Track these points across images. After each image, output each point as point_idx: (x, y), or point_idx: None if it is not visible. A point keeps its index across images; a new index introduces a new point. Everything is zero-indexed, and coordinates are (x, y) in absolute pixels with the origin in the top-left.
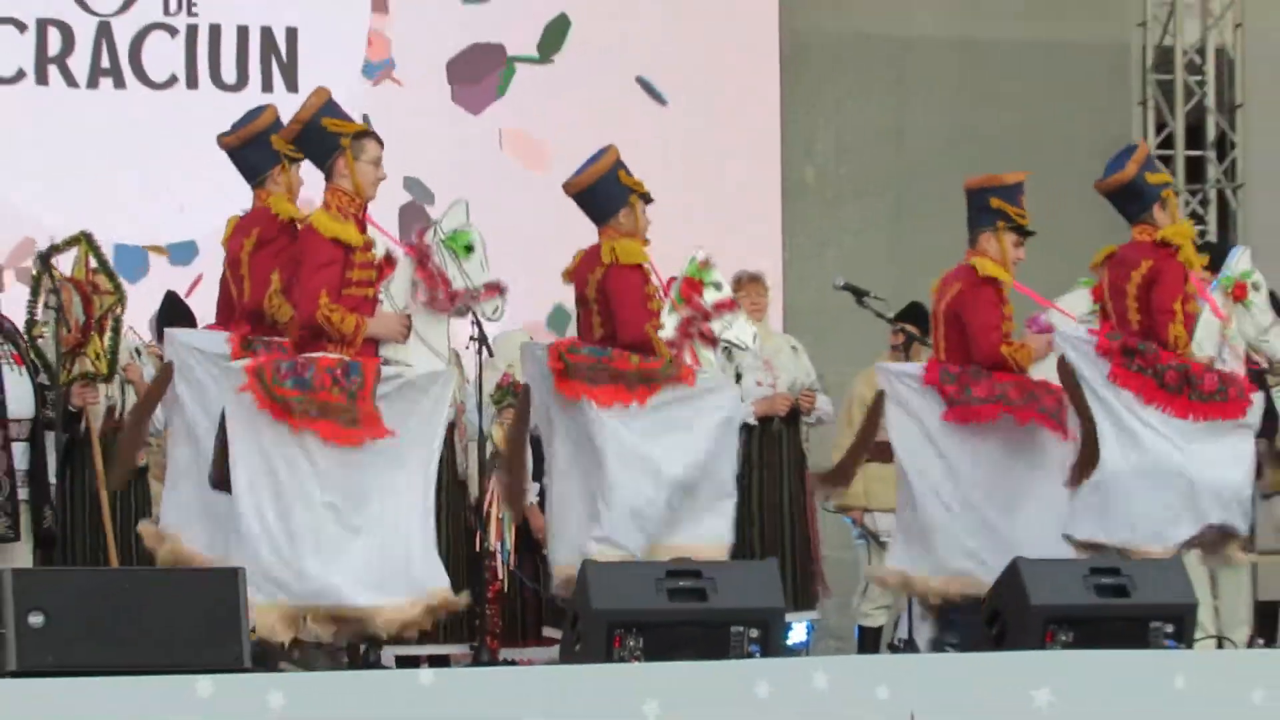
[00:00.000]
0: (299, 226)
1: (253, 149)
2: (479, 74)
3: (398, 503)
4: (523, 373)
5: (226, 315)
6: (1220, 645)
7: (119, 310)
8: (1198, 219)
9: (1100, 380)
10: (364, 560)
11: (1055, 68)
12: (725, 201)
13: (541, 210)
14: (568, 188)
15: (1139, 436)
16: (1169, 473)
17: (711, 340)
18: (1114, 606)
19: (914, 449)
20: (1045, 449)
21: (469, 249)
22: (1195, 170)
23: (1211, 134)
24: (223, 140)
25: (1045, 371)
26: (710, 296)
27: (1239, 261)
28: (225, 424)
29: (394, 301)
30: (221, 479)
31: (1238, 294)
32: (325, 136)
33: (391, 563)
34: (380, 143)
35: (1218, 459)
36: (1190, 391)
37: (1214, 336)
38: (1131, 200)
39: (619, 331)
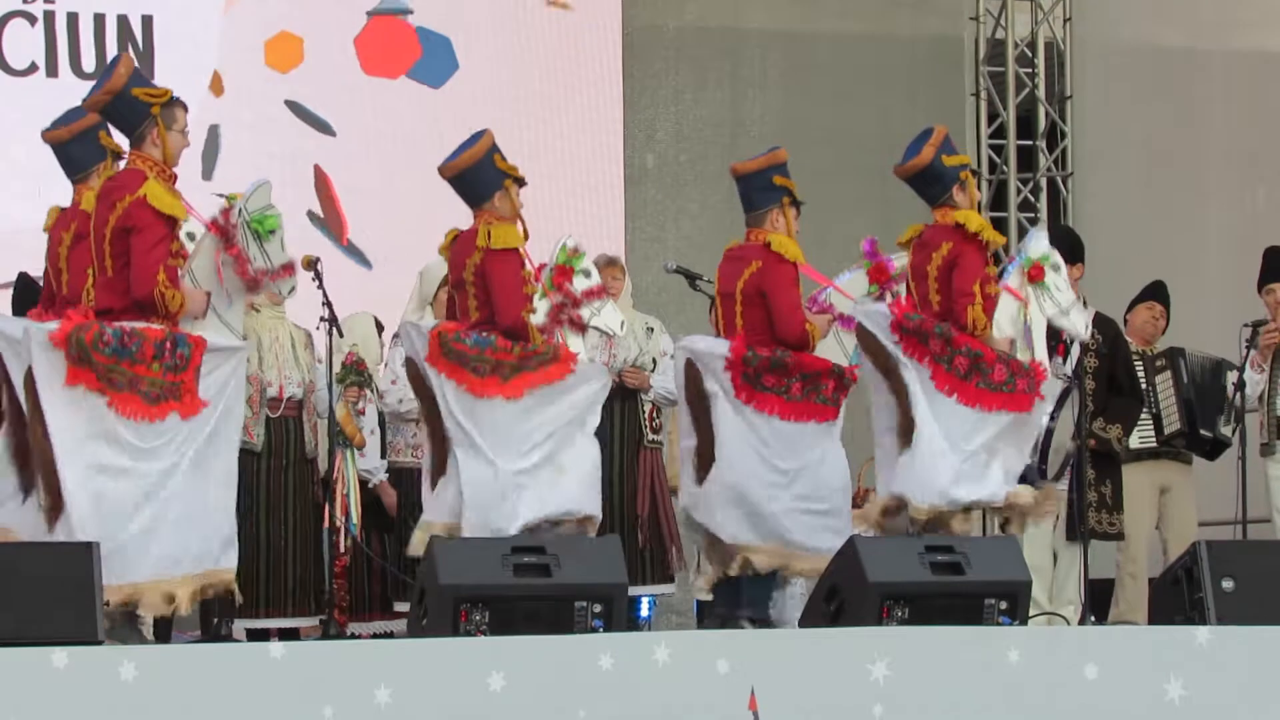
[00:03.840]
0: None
1: (78, 145)
2: None
3: (203, 475)
4: (405, 348)
5: (49, 304)
6: (1051, 623)
7: None
8: (1029, 207)
9: (895, 353)
10: (160, 533)
11: (887, 61)
12: (571, 186)
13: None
14: (443, 171)
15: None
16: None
17: (580, 327)
18: (949, 584)
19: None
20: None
21: (272, 231)
22: (1027, 159)
23: (1042, 124)
24: (47, 135)
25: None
26: (580, 284)
27: (1035, 244)
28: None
29: (194, 278)
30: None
31: (1034, 275)
32: (136, 105)
33: (185, 537)
34: (186, 109)
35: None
36: (979, 379)
37: (1015, 318)
38: (930, 184)
39: (497, 316)
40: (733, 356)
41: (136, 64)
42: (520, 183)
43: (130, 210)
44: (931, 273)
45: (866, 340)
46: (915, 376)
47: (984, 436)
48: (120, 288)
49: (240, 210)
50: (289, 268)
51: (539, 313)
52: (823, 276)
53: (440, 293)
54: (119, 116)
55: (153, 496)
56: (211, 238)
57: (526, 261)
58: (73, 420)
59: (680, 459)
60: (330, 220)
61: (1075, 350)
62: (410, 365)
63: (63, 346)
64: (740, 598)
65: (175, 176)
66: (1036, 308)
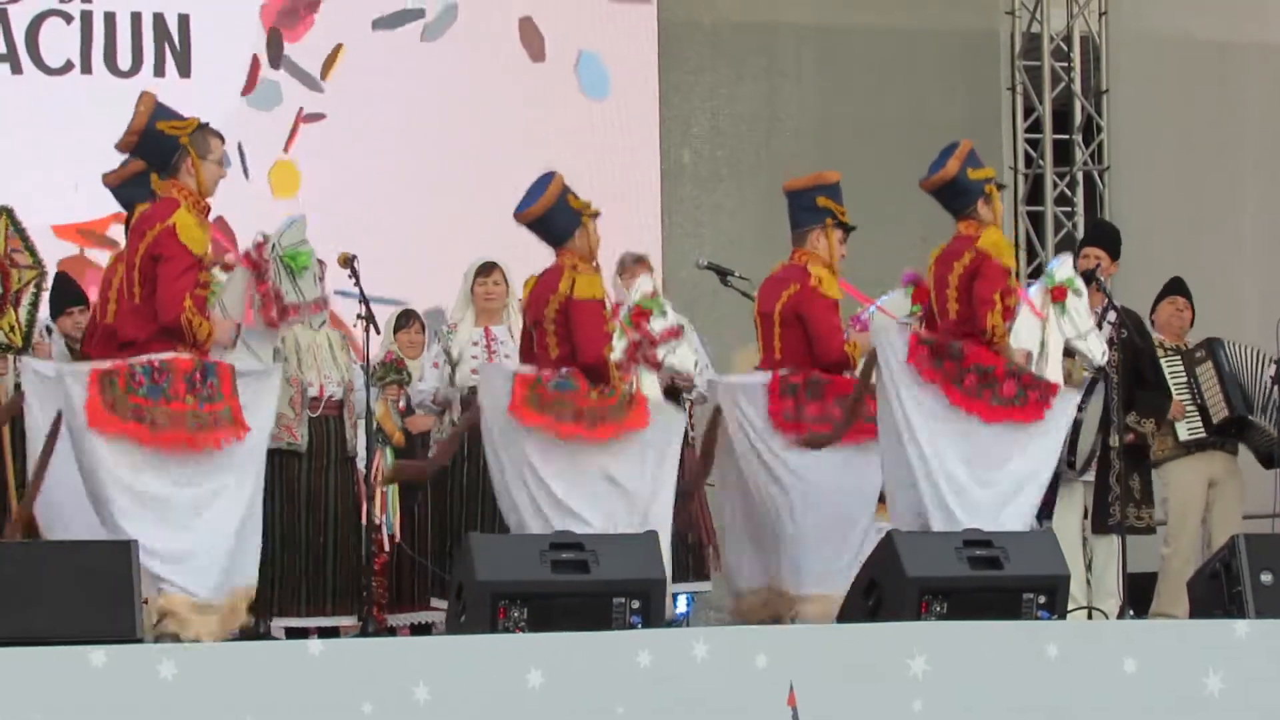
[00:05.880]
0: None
1: (130, 188)
2: None
3: (225, 502)
4: (480, 394)
5: (91, 338)
6: (1090, 616)
7: (42, 285)
8: (1066, 201)
9: (907, 374)
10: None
11: (923, 55)
12: (607, 182)
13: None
14: (520, 218)
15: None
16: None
17: (655, 365)
18: (987, 578)
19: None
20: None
21: (305, 267)
22: (1063, 154)
23: (1078, 118)
24: (105, 180)
25: None
26: (657, 324)
27: (1061, 268)
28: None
29: (226, 310)
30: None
31: (1056, 296)
32: (162, 140)
33: (213, 561)
34: (221, 139)
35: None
36: (991, 396)
37: (1034, 333)
38: (955, 197)
39: (578, 355)
40: (771, 399)
41: (158, 99)
42: (595, 215)
43: (159, 238)
44: (953, 281)
45: (869, 361)
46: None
47: (990, 460)
48: (146, 314)
49: (274, 246)
50: (320, 303)
51: (616, 350)
52: (865, 296)
53: (475, 286)
54: (150, 154)
55: (203, 519)
56: (244, 271)
57: (606, 299)
58: (115, 466)
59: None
60: None
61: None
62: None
63: (95, 388)
64: None
65: (208, 208)
66: (1055, 328)
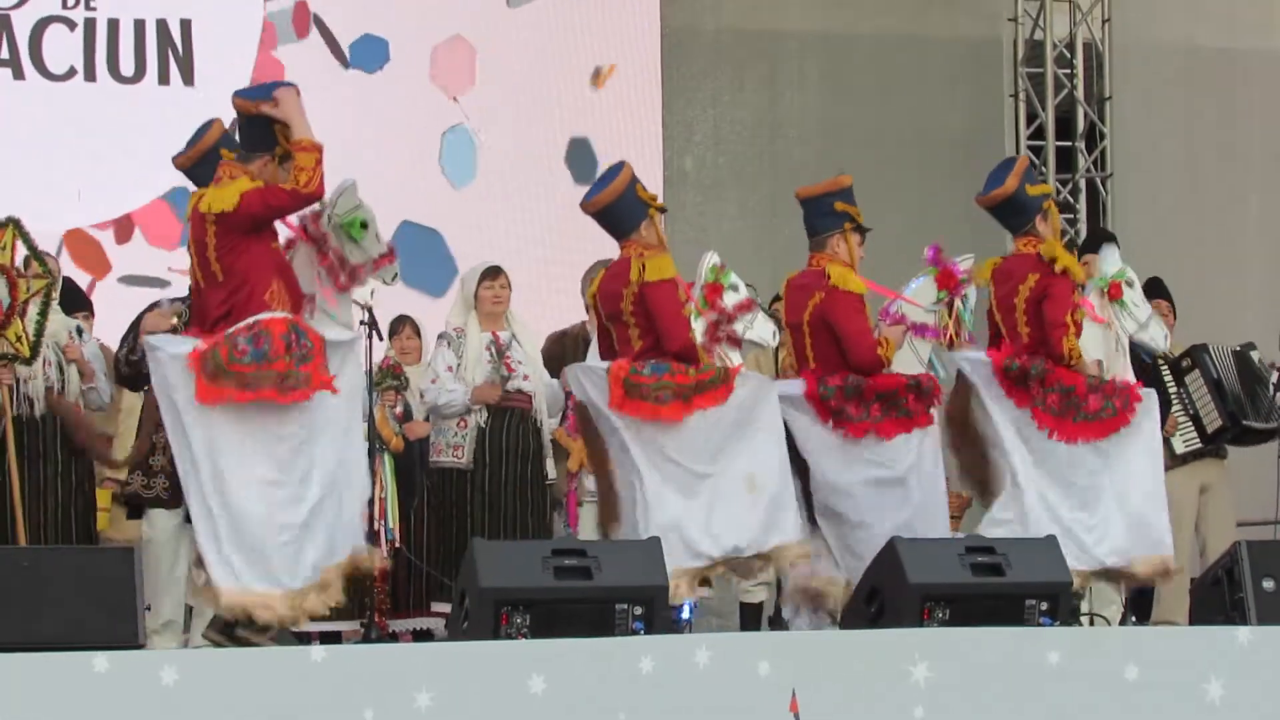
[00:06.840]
0: None
1: (204, 166)
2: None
3: (329, 467)
4: (576, 393)
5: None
6: (1093, 623)
7: (53, 293)
8: (1068, 208)
9: (998, 397)
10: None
11: (927, 62)
12: None
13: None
14: (587, 207)
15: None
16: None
17: (736, 342)
18: (990, 585)
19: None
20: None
21: (364, 226)
22: (1065, 160)
23: (1081, 125)
24: (176, 161)
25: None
26: (730, 299)
27: (1109, 261)
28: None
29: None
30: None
31: (1113, 294)
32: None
33: (329, 528)
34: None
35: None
36: (1074, 414)
37: (1099, 340)
38: (1014, 214)
39: (665, 343)
40: (818, 408)
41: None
42: (662, 210)
43: (241, 205)
44: (1020, 305)
45: (960, 387)
46: (1009, 424)
47: (1087, 469)
48: (230, 287)
49: (329, 216)
50: (386, 257)
51: (696, 332)
52: (889, 290)
53: (482, 290)
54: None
55: (302, 499)
56: (305, 247)
57: (679, 280)
58: (230, 437)
59: None
60: None
61: None
62: (581, 410)
63: (196, 368)
64: None
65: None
66: (1120, 327)
